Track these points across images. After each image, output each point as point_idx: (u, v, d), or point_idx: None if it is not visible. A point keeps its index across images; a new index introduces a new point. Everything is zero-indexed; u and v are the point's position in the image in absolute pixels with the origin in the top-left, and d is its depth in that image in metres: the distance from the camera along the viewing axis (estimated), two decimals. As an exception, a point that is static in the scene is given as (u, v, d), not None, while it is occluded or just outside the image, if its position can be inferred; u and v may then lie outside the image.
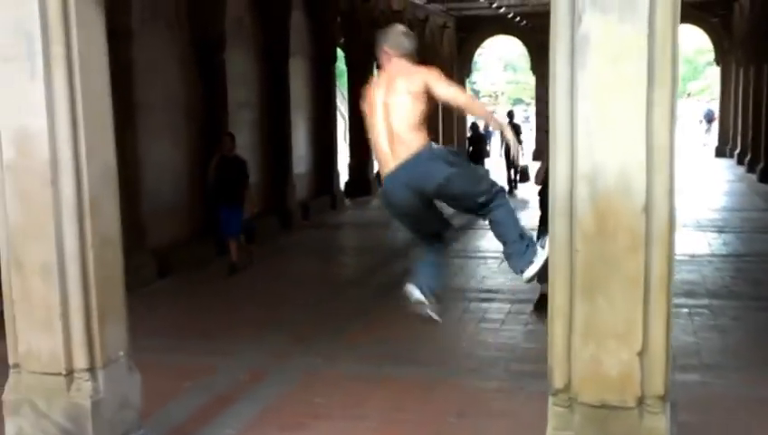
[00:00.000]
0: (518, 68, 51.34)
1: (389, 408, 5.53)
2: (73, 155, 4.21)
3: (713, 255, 10.50)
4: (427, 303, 4.34)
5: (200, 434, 5.19)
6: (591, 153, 3.35)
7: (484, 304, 8.37)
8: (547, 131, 12.79)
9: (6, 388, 4.48)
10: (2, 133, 4.21)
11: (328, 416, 5.42)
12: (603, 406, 3.47)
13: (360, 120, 5.29)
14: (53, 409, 4.33)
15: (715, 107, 29.99)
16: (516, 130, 18.45)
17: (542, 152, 17.87)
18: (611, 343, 3.41)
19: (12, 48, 4.11)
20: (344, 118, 21.91)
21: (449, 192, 4.14)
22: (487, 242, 10.86)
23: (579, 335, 3.45)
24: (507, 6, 22.63)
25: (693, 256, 10.20)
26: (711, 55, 26.30)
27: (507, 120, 18.77)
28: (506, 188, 17.22)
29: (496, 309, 8.15)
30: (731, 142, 24.85)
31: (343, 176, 17.58)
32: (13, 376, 4.47)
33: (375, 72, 14.36)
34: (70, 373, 4.31)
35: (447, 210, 4.43)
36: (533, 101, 31.66)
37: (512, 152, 7.04)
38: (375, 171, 16.04)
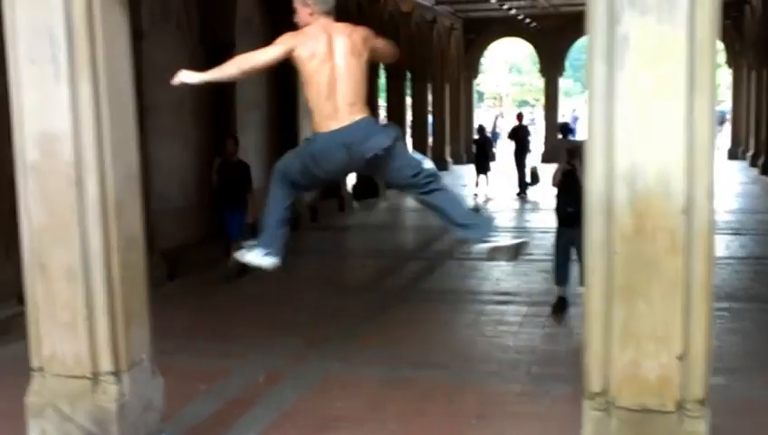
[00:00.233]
0: (523, 70, 51.40)
1: (411, 411, 5.48)
2: (98, 156, 4.20)
3: (731, 257, 10.40)
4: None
5: (221, 438, 5.15)
6: (630, 154, 3.32)
7: (501, 307, 8.30)
8: (562, 132, 12.65)
9: (29, 391, 4.45)
10: (26, 134, 4.20)
11: (349, 419, 5.37)
12: (642, 410, 3.44)
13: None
14: (78, 412, 4.30)
15: (727, 109, 29.87)
16: (525, 131, 18.37)
17: (553, 154, 17.67)
18: (650, 346, 3.38)
19: (37, 50, 4.10)
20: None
21: (392, 161, 4.15)
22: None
23: (617, 338, 3.42)
24: (516, 8, 22.56)
25: (712, 258, 10.12)
26: (722, 57, 26.25)
27: (517, 122, 18.65)
28: (517, 190, 17.28)
29: (513, 312, 8.08)
30: (743, 144, 24.65)
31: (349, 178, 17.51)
32: (36, 379, 4.44)
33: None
34: (95, 376, 4.28)
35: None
36: (538, 103, 31.62)
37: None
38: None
